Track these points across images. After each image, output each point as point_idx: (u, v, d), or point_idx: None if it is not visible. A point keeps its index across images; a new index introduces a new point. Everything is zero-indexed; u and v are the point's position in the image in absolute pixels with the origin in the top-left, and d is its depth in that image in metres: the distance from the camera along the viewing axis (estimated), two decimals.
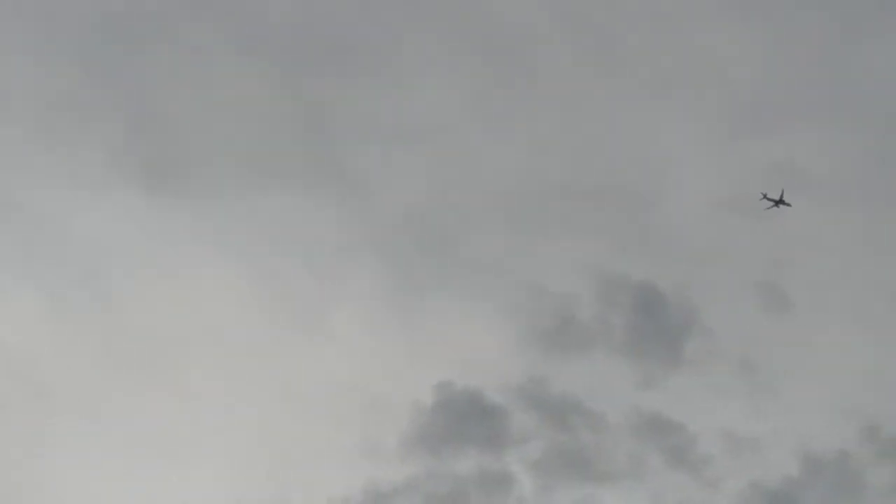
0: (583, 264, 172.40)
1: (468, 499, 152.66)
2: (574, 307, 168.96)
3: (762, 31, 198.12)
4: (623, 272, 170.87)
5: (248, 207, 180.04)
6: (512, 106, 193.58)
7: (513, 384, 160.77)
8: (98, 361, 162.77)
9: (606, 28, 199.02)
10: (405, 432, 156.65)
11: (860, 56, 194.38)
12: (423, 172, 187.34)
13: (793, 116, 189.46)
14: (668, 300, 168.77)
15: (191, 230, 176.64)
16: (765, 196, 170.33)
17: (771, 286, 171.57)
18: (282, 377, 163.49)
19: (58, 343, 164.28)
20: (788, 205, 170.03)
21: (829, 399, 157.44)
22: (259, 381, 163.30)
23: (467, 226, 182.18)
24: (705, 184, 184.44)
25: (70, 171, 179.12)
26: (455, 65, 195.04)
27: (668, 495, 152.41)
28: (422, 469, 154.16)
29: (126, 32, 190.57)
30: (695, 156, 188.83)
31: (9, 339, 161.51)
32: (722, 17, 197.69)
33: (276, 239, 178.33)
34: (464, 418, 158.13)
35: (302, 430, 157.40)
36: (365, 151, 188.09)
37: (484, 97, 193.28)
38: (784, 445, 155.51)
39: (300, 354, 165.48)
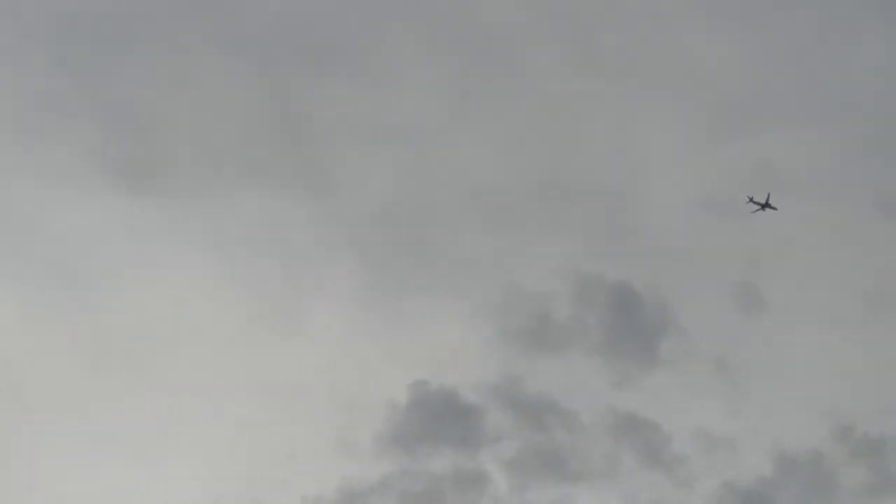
0: (559, 264, 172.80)
1: (443, 498, 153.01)
2: (550, 307, 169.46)
3: (741, 32, 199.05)
4: (599, 272, 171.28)
5: (226, 207, 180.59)
6: (489, 106, 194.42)
7: (488, 383, 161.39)
8: (74, 361, 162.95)
9: (585, 29, 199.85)
10: (380, 431, 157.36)
11: (839, 58, 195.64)
12: (400, 172, 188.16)
13: (769, 118, 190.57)
14: (644, 300, 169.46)
15: (168, 230, 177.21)
16: (751, 199, 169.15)
17: (746, 286, 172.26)
18: (256, 376, 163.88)
19: (34, 342, 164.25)
20: (775, 208, 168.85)
21: (804, 399, 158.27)
22: (234, 379, 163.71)
23: (444, 225, 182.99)
24: (682, 184, 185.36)
25: (48, 170, 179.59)
26: (433, 65, 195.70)
27: (642, 495, 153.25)
28: (396, 468, 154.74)
29: (105, 32, 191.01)
30: (672, 156, 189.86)
31: None
32: (701, 19, 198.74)
33: (253, 238, 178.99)
34: (439, 417, 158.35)
35: (277, 428, 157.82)
36: (342, 151, 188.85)
37: (462, 97, 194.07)
38: (758, 445, 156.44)
39: (275, 353, 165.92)
